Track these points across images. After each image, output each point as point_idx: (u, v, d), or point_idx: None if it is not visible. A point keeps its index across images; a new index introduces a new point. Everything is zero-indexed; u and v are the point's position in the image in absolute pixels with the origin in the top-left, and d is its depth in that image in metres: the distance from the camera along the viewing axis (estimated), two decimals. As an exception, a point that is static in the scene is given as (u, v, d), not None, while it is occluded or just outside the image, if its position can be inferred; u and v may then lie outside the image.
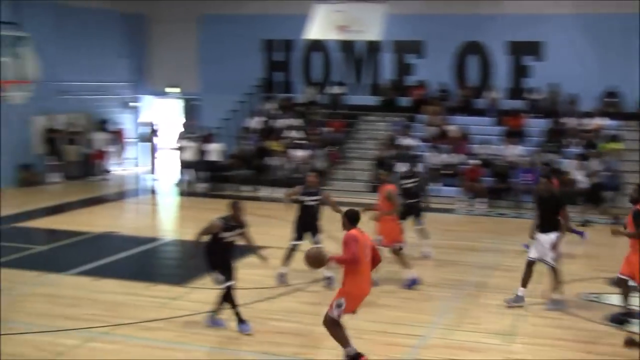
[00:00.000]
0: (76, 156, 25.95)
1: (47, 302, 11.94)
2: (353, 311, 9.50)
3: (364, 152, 24.95)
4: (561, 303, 11.92)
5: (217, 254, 10.60)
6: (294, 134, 25.27)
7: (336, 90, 27.27)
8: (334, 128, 25.80)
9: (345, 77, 27.61)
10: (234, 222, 10.66)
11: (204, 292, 12.27)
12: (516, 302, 12.05)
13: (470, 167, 22.32)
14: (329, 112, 26.83)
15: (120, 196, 24.15)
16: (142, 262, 15.62)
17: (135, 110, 29.94)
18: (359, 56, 27.47)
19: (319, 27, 23.65)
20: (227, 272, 10.65)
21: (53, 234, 17.17)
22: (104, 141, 26.67)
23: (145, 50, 30.01)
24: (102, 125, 27.09)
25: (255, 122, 26.50)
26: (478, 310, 11.94)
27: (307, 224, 13.34)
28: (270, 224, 18.24)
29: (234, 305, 10.63)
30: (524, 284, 12.08)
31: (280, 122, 26.24)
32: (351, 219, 9.43)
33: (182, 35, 29.29)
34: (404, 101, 26.53)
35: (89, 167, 26.49)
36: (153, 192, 25.11)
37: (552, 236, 11.83)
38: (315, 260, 9.29)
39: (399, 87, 26.81)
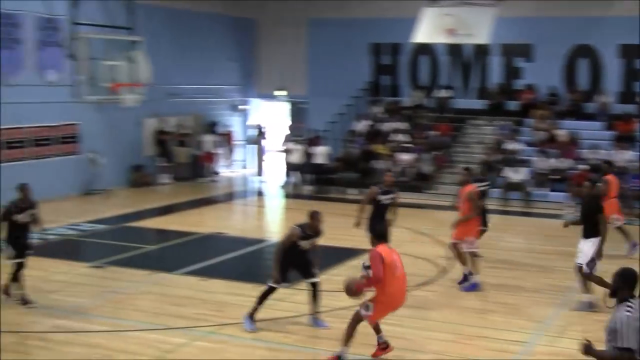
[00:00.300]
0: (186, 158, 26.53)
1: (156, 301, 12.24)
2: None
3: (470, 156, 24.60)
4: (587, 305, 11.77)
5: (289, 257, 10.83)
6: (400, 137, 25.19)
7: (443, 93, 27.04)
8: (440, 132, 25.57)
9: (453, 81, 27.36)
10: (310, 231, 10.84)
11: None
12: (581, 308, 11.92)
13: (578, 172, 21.72)
14: (435, 115, 26.63)
15: (228, 198, 24.59)
16: (249, 263, 15.82)
17: (243, 112, 30.43)
18: (466, 59, 27.18)
19: (427, 31, 23.39)
20: (304, 271, 11.00)
21: (162, 234, 17.60)
22: (213, 143, 27.16)
23: (255, 53, 30.47)
24: (211, 127, 27.61)
25: (361, 125, 26.54)
26: (585, 317, 11.59)
27: (380, 222, 13.27)
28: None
29: (260, 302, 10.84)
30: (586, 290, 11.94)
31: (387, 126, 26.20)
32: (377, 236, 9.48)
33: (290, 39, 29.61)
34: (512, 105, 26.09)
35: (198, 168, 27.03)
36: (260, 194, 25.43)
37: (591, 242, 11.76)
38: (350, 292, 9.29)
39: (507, 91, 26.38)
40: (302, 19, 29.13)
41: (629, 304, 5.99)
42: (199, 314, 11.51)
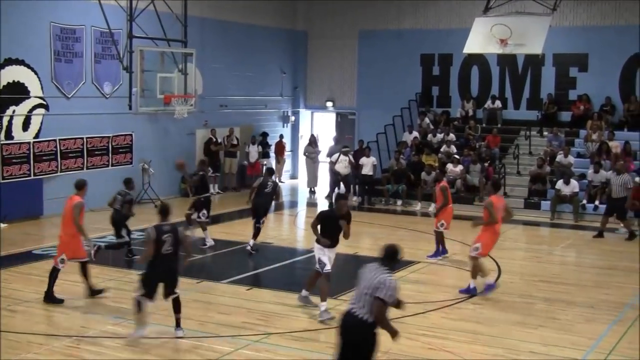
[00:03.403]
0: (235, 168, 26.75)
1: (203, 309, 12.36)
2: None
3: (522, 167, 24.38)
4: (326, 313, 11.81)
5: None
6: (449, 148, 25.06)
7: (494, 104, 26.84)
8: (490, 143, 25.36)
9: (504, 92, 27.15)
10: None
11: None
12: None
13: (634, 185, 21.26)
14: (486, 127, 26.46)
15: (276, 208, 24.68)
16: (295, 273, 15.88)
17: (293, 123, 30.63)
18: (518, 70, 26.91)
19: (479, 41, 23.19)
20: None
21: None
22: (259, 154, 27.32)
23: (305, 65, 30.66)
24: (259, 138, 27.78)
25: (410, 137, 26.49)
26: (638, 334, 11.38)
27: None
28: (421, 239, 18.22)
29: None
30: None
31: (436, 137, 26.12)
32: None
33: (341, 51, 29.75)
34: (565, 116, 25.79)
35: (247, 179, 27.23)
36: (308, 204, 25.49)
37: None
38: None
39: (560, 102, 26.06)
40: (352, 31, 29.23)
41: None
42: (245, 322, 11.60)
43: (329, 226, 12.01)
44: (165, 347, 10.55)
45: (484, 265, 13.67)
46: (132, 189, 15.86)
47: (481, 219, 13.74)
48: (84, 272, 12.67)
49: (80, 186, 12.80)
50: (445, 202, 16.14)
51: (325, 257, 12.01)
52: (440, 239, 16.40)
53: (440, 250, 16.40)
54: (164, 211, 10.97)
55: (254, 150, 27.06)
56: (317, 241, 12.10)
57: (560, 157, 23.32)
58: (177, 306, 10.87)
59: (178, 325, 10.89)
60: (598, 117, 24.61)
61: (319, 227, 12.09)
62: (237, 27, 26.95)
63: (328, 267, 12.00)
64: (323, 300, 11.87)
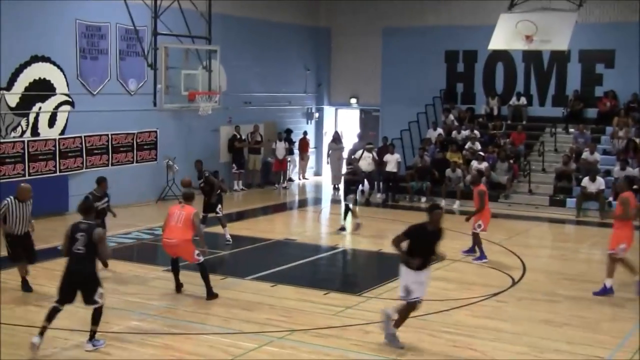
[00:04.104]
0: (259, 165, 26.79)
1: (227, 305, 12.37)
2: None
3: (547, 164, 24.23)
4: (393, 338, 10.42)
5: None
6: (474, 145, 24.93)
7: (519, 101, 26.67)
8: (515, 140, 25.22)
9: (529, 88, 26.96)
10: None
11: (379, 302, 12.33)
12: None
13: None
14: (511, 123, 26.30)
15: (300, 204, 24.72)
16: (318, 270, 15.89)
17: (317, 120, 30.62)
18: (544, 66, 26.71)
19: (504, 37, 23.07)
20: None
21: (235, 240, 17.76)
22: (286, 150, 27.33)
23: (329, 61, 30.63)
24: (284, 135, 27.79)
25: (435, 133, 26.39)
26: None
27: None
28: (445, 236, 18.10)
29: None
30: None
31: (461, 134, 25.99)
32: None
33: (364, 47, 29.66)
34: (591, 113, 25.56)
35: (271, 175, 27.27)
36: (332, 201, 25.43)
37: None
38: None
39: (586, 98, 25.82)
40: (376, 28, 29.11)
41: None
42: (268, 319, 11.60)
43: (421, 244, 10.12)
44: (189, 343, 10.57)
45: (631, 263, 13.43)
46: (105, 189, 14.76)
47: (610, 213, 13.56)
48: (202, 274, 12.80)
49: (191, 197, 13.07)
50: (481, 206, 15.79)
51: (413, 283, 10.14)
52: (477, 241, 15.99)
53: (479, 255, 15.90)
54: (87, 209, 10.34)
55: (281, 147, 26.99)
56: (405, 263, 10.14)
57: (586, 154, 23.14)
58: (95, 317, 10.14)
59: (91, 337, 10.17)
60: (625, 113, 24.36)
61: (404, 244, 10.14)
62: (261, 24, 26.98)
63: (415, 295, 10.14)
64: (395, 325, 10.42)
